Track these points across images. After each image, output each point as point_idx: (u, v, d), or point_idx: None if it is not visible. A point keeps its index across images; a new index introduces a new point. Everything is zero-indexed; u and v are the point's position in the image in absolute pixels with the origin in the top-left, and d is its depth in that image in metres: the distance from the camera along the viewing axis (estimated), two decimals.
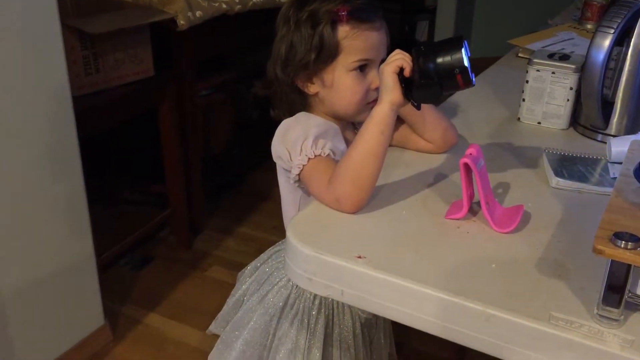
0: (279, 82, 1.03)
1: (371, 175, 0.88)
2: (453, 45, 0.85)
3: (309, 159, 0.94)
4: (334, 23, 0.97)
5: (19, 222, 1.52)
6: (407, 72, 0.87)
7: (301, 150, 0.95)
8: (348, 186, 0.87)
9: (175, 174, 2.22)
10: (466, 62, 0.84)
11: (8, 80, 1.42)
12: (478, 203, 0.87)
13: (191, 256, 2.28)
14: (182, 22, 1.94)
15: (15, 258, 1.52)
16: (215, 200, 2.59)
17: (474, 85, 0.86)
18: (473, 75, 0.85)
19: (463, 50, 0.84)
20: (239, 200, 2.65)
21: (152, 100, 2.08)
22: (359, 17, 0.97)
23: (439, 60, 0.85)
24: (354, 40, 0.97)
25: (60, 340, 1.71)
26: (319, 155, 0.94)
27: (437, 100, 0.90)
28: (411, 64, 0.87)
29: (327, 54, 0.98)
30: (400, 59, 0.88)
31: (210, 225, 2.46)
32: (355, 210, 0.88)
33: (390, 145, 1.08)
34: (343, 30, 0.97)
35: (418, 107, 0.90)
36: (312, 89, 1.02)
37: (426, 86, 0.86)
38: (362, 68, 0.99)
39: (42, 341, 1.65)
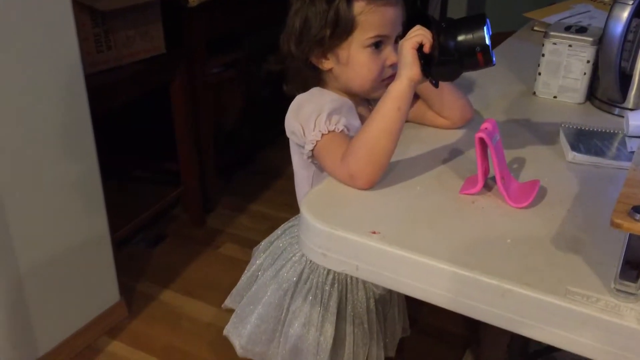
0: (293, 57, 1.02)
1: (386, 152, 0.87)
2: (476, 23, 0.84)
3: (323, 134, 0.94)
4: None
5: (34, 200, 1.53)
6: (426, 49, 0.86)
7: (315, 125, 0.94)
8: (362, 162, 0.86)
9: (187, 151, 2.22)
10: (488, 41, 0.83)
11: (20, 59, 1.42)
12: (493, 178, 0.86)
13: (204, 233, 2.30)
14: None
15: (31, 236, 1.54)
16: (227, 178, 2.59)
17: (494, 64, 0.85)
18: (494, 54, 0.84)
19: (485, 28, 0.83)
20: (250, 178, 2.65)
21: (164, 78, 2.08)
22: None
23: (461, 37, 0.84)
24: (370, 16, 0.95)
25: (77, 316, 1.74)
26: (333, 131, 0.94)
27: (455, 77, 0.89)
28: (431, 40, 0.86)
29: (342, 29, 0.96)
30: (420, 34, 0.86)
31: (223, 203, 2.46)
32: (369, 186, 0.87)
33: (406, 122, 1.07)
34: (359, 5, 0.95)
35: (436, 85, 0.89)
36: (326, 64, 1.01)
37: (446, 63, 0.85)
38: (378, 44, 0.98)
39: (59, 317, 1.68)
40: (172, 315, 1.90)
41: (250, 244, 1.24)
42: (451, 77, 0.89)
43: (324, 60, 1.01)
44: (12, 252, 1.50)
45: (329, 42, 0.98)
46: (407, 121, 1.07)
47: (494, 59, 0.84)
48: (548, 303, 0.67)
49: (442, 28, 0.85)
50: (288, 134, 1.02)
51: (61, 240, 1.63)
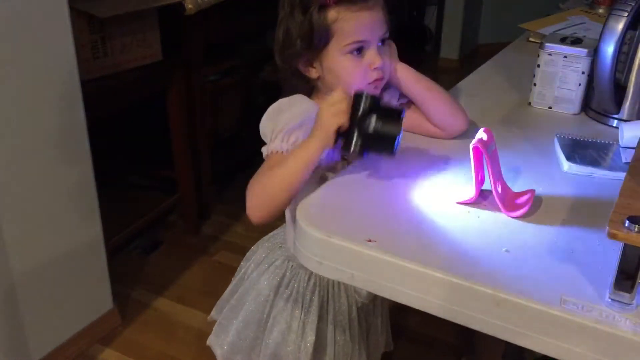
0: (281, 68, 1.02)
1: (280, 203, 0.91)
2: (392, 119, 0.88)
3: (272, 151, 0.95)
4: (323, 7, 0.94)
5: (28, 206, 1.52)
6: (343, 128, 0.89)
7: (275, 139, 0.95)
8: (256, 202, 0.91)
9: (183, 158, 2.22)
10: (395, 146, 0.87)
11: (16, 65, 1.42)
12: (489, 188, 0.86)
13: (199, 241, 2.29)
14: (190, 6, 1.93)
15: (24, 242, 1.53)
16: (223, 186, 2.59)
17: (393, 152, 0.88)
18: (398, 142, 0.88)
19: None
20: (246, 186, 2.64)
21: (161, 85, 2.08)
22: None
23: (369, 128, 0.87)
24: (345, 23, 0.95)
25: (70, 323, 1.73)
26: (282, 152, 0.94)
27: (363, 154, 0.91)
28: (349, 119, 0.88)
29: (318, 39, 0.96)
30: (341, 115, 0.88)
31: (218, 211, 2.46)
32: (257, 223, 0.92)
33: (402, 130, 1.07)
34: (332, 13, 0.95)
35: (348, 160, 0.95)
36: (313, 73, 1.01)
37: (355, 139, 0.88)
38: (359, 50, 0.97)
39: (51, 324, 1.67)
40: (165, 323, 1.89)
41: (245, 252, 1.24)
42: (363, 152, 0.91)
43: (310, 69, 1.01)
44: (5, 258, 1.49)
45: (309, 52, 0.98)
46: (403, 130, 1.07)
47: (396, 146, 0.88)
48: (543, 312, 0.67)
49: (362, 114, 0.88)
50: (260, 132, 1.01)
51: (55, 246, 1.62)
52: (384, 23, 0.99)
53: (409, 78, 1.03)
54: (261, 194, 0.91)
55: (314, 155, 0.89)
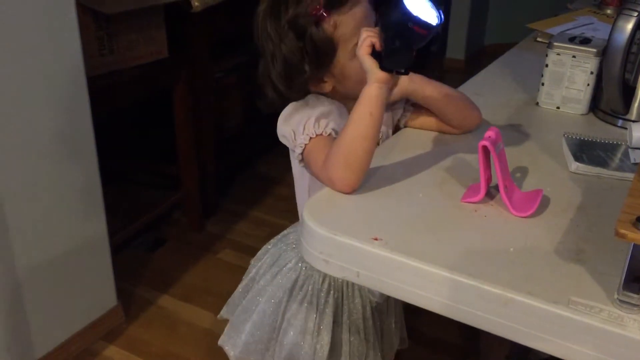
0: (290, 98, 1.00)
1: (361, 157, 0.87)
2: (395, 3, 0.84)
3: (311, 138, 0.94)
4: (318, 23, 0.93)
5: (33, 202, 1.52)
6: (377, 47, 0.86)
7: (304, 129, 0.94)
8: (339, 167, 0.86)
9: (187, 156, 2.22)
10: (415, 11, 0.82)
11: (23, 60, 1.42)
12: (495, 187, 0.86)
13: (203, 239, 2.29)
14: (196, 3, 1.93)
15: (29, 238, 1.53)
16: (227, 184, 2.59)
17: (439, 24, 0.84)
18: (439, 11, 0.84)
19: (403, 2, 0.83)
20: (251, 184, 2.65)
21: (166, 82, 2.08)
22: (336, 3, 0.93)
23: (390, 23, 0.84)
24: (345, 27, 0.94)
25: (74, 320, 1.73)
26: (321, 134, 0.94)
27: (411, 58, 0.88)
28: (379, 37, 0.86)
29: (325, 54, 0.95)
30: (367, 37, 0.87)
31: (222, 208, 2.46)
32: (348, 191, 0.87)
33: (413, 128, 1.07)
34: (329, 24, 0.94)
35: (406, 73, 0.89)
36: (326, 87, 1.00)
37: (394, 51, 0.86)
38: None
39: (55, 320, 1.67)
40: (169, 321, 1.89)
41: (249, 251, 1.23)
42: (407, 60, 0.88)
43: (323, 84, 1.00)
44: (11, 254, 1.49)
45: (318, 71, 0.97)
46: (414, 128, 1.07)
47: (435, 21, 0.83)
48: (551, 313, 0.66)
49: (381, 22, 0.87)
50: (280, 137, 1.01)
51: (59, 242, 1.62)
52: (372, 10, 0.98)
53: (422, 87, 1.01)
54: (340, 160, 0.86)
55: (375, 93, 0.87)
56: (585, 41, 1.18)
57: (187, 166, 2.23)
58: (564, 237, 0.78)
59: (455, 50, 4.16)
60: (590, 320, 0.65)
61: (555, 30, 1.57)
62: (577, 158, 0.96)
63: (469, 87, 1.28)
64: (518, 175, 0.94)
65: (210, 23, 2.11)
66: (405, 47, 0.85)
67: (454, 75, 3.81)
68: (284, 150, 1.06)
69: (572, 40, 1.19)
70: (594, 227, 0.81)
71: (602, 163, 0.96)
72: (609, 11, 1.71)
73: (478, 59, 4.04)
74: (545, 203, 0.85)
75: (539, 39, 1.63)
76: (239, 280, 1.21)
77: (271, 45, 0.97)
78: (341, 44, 0.95)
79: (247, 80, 2.57)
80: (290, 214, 1.24)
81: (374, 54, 0.87)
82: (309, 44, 0.94)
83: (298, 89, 0.99)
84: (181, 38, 2.08)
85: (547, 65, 1.19)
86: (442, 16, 0.84)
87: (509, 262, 0.74)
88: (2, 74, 1.38)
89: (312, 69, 0.95)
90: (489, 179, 0.86)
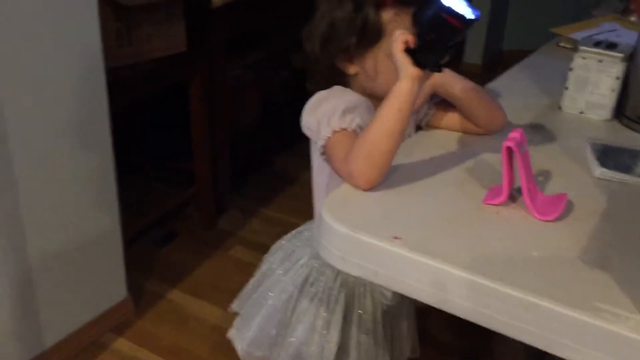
0: (317, 59, 1.01)
1: (385, 154, 0.85)
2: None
3: (334, 131, 0.92)
4: (378, 6, 0.94)
5: (47, 192, 1.52)
6: (411, 44, 0.86)
7: (329, 122, 0.93)
8: (361, 162, 0.85)
9: (202, 151, 2.21)
10: (447, 2, 0.81)
11: (43, 49, 1.41)
12: (518, 189, 0.84)
13: (215, 235, 2.28)
14: None
15: (42, 228, 1.53)
16: (240, 181, 2.58)
17: (474, 18, 0.82)
18: (470, 6, 0.82)
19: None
20: (264, 182, 2.64)
21: (183, 76, 2.07)
22: (406, 0, 0.93)
23: (424, 16, 0.84)
24: (398, 24, 0.93)
25: (84, 311, 1.73)
26: (345, 129, 0.92)
27: (445, 53, 0.87)
28: (413, 35, 0.86)
29: (369, 37, 0.95)
30: (402, 34, 0.86)
31: (235, 205, 2.45)
32: (368, 187, 0.85)
33: (438, 128, 1.05)
34: (387, 13, 0.94)
35: (439, 70, 0.88)
36: (351, 69, 1.00)
37: (429, 46, 0.85)
38: None
39: (66, 310, 1.67)
40: (178, 315, 1.89)
41: (260, 248, 1.22)
42: (441, 55, 0.87)
43: (349, 65, 1.00)
44: (24, 243, 1.49)
45: (355, 49, 0.96)
46: (439, 128, 1.05)
47: (469, 14, 0.82)
48: (574, 318, 0.65)
49: (413, 19, 0.86)
50: (303, 129, 1.00)
51: (72, 233, 1.62)
52: None
53: (452, 82, 1.00)
54: (363, 155, 0.85)
55: (406, 88, 0.85)
56: (612, 46, 1.16)
57: (201, 162, 2.23)
58: (588, 243, 0.77)
59: (473, 55, 4.13)
60: (616, 328, 0.63)
61: (578, 35, 1.55)
62: (603, 163, 0.94)
63: (489, 90, 1.26)
64: (540, 178, 0.93)
65: (229, 19, 2.10)
66: (439, 42, 0.84)
67: (471, 80, 3.78)
68: (298, 149, 1.05)
69: (598, 44, 1.17)
70: (619, 234, 0.79)
71: (628, 169, 0.94)
72: (632, 18, 1.69)
73: (496, 64, 4.01)
74: (569, 208, 0.84)
75: (561, 44, 1.61)
76: (249, 277, 1.20)
77: (327, 7, 0.97)
78: (387, 37, 0.94)
79: (264, 78, 2.57)
80: (302, 213, 1.23)
81: (408, 51, 0.86)
82: (360, 21, 0.94)
83: (329, 55, 0.98)
84: (200, 33, 2.07)
85: (571, 69, 1.17)
86: (479, 13, 0.82)
87: (532, 265, 0.72)
88: (23, 58, 1.37)
89: (350, 42, 0.95)
90: (512, 181, 0.85)
